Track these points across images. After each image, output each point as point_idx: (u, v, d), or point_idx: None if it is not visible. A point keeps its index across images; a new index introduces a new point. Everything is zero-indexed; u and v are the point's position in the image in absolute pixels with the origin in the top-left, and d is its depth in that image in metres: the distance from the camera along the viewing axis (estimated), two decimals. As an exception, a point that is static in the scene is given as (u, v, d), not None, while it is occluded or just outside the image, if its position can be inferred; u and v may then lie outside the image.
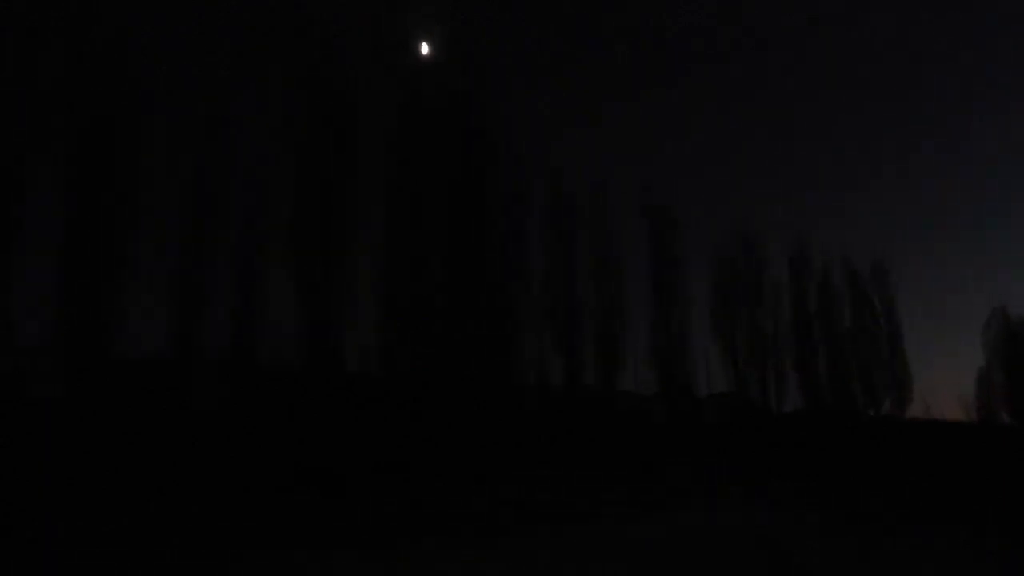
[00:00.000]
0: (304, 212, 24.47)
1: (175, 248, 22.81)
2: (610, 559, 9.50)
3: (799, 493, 19.43)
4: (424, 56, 27.86)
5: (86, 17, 22.33)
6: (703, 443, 27.10)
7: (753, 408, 33.36)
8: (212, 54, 24.33)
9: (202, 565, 8.98)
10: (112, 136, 22.23)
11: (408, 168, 26.65)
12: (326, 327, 24.74)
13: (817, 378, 37.43)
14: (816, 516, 13.83)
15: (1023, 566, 10.51)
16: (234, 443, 19.42)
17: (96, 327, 21.44)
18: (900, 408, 39.39)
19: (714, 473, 22.28)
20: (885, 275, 42.40)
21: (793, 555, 9.81)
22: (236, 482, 18.17)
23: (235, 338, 23.30)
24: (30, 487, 14.92)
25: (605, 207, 31.71)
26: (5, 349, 21.60)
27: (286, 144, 25.00)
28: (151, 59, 22.51)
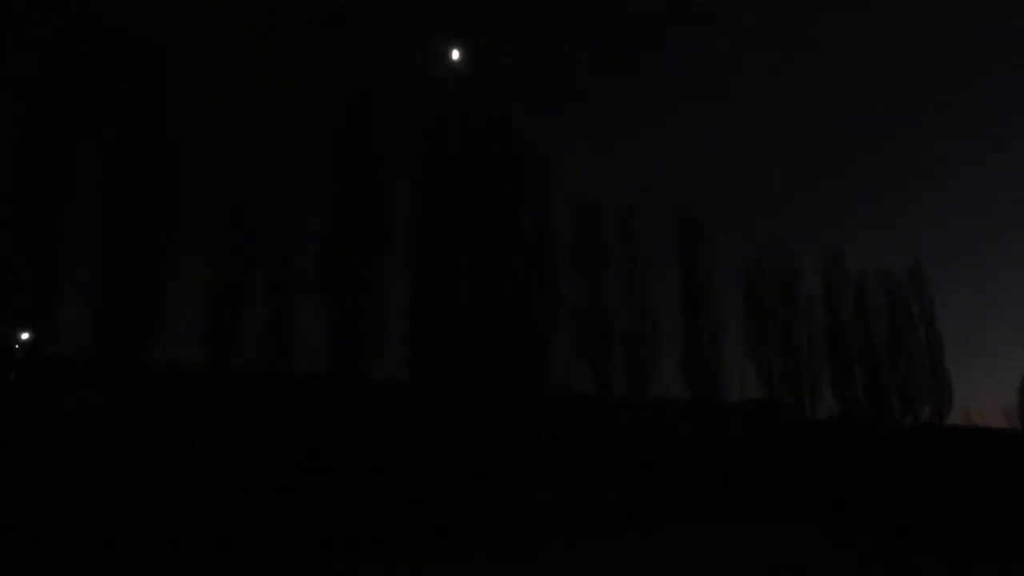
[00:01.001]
0: (335, 226, 24.89)
1: (211, 262, 23.34)
2: (641, 571, 9.39)
3: (834, 507, 19.03)
4: (451, 74, 28.21)
5: (122, 36, 23.02)
6: (734, 455, 26.73)
7: (787, 416, 32.82)
8: (248, 75, 24.94)
9: (232, 571, 9.07)
10: (150, 155, 22.83)
11: (437, 183, 26.92)
12: (355, 338, 25.00)
13: (853, 387, 36.68)
14: (853, 535, 13.41)
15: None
16: (264, 451, 19.64)
17: (134, 338, 21.94)
18: (940, 416, 38.39)
19: (746, 487, 21.94)
20: (923, 282, 41.45)
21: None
22: (267, 489, 18.35)
23: (267, 350, 23.72)
24: (67, 494, 15.23)
25: (634, 219, 31.63)
26: (47, 360, 22.23)
27: (318, 161, 25.48)
28: (189, 82, 23.13)
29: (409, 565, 9.29)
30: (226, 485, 17.92)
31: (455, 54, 28.74)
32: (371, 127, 26.97)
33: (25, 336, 21.05)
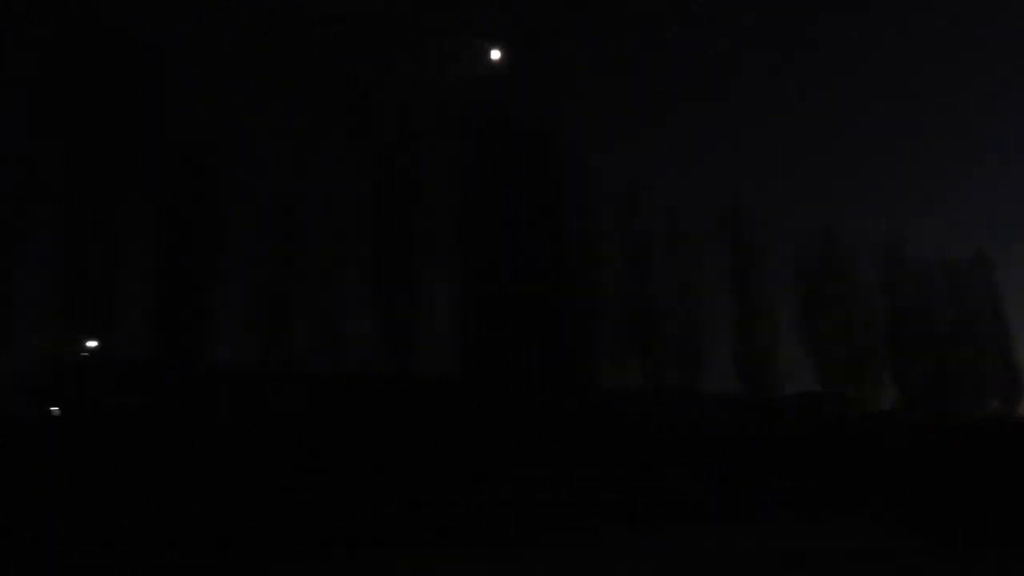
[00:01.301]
0: (380, 226, 25.14)
1: (260, 263, 23.83)
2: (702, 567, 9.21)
3: (893, 503, 18.38)
4: (487, 73, 28.19)
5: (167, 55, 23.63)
6: (791, 448, 26.08)
7: (845, 407, 31.86)
8: (291, 79, 25.29)
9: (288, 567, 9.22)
10: (202, 161, 23.41)
11: (482, 174, 26.93)
12: (403, 337, 25.23)
13: (915, 378, 35.44)
14: (920, 535, 12.86)
15: None
16: (317, 449, 19.94)
17: (188, 340, 22.58)
18: (1009, 408, 36.80)
19: (804, 482, 21.36)
20: (988, 268, 39.67)
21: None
22: (322, 486, 18.63)
23: (317, 349, 24.14)
24: (129, 493, 15.72)
25: (679, 206, 31.14)
26: (107, 362, 23.04)
27: (363, 156, 25.74)
28: (228, 83, 23.63)
29: (485, 563, 9.30)
30: (282, 482, 18.25)
31: (492, 54, 28.72)
32: (410, 126, 27.14)
33: (91, 344, 21.87)
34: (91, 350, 22.46)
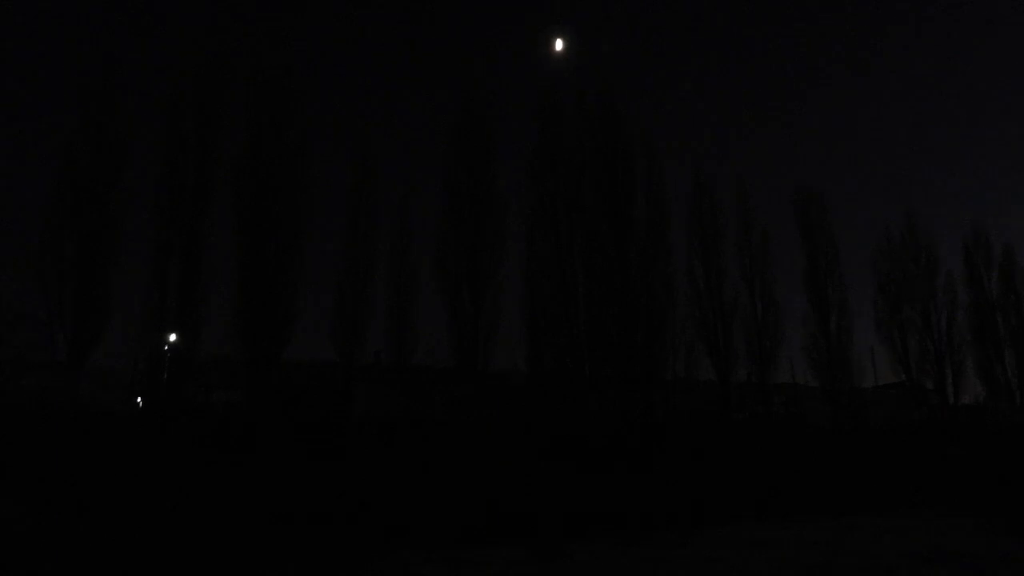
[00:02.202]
0: (452, 223, 25.48)
1: (340, 264, 24.49)
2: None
3: (985, 499, 17.63)
4: (559, 63, 28.09)
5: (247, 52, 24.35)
6: (871, 443, 25.29)
7: (927, 401, 30.73)
8: (362, 87, 25.79)
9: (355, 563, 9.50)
10: (280, 165, 24.16)
11: (550, 174, 26.93)
12: (475, 333, 25.45)
13: (1001, 370, 33.90)
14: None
15: None
16: (399, 442, 20.33)
17: (271, 338, 23.34)
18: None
19: (888, 477, 20.68)
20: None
21: None
22: (402, 475, 19.02)
23: (393, 343, 24.66)
24: (218, 483, 16.34)
25: (750, 192, 30.49)
26: (194, 361, 24.01)
27: (433, 160, 26.16)
28: (309, 94, 24.23)
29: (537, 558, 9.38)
30: (364, 475, 18.69)
31: (560, 44, 28.54)
32: (484, 120, 27.31)
33: (173, 338, 22.77)
34: (173, 345, 23.38)
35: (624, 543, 10.09)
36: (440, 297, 25.41)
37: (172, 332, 23.18)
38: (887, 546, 10.04)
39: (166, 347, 22.70)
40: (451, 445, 19.11)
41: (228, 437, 18.69)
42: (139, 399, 22.95)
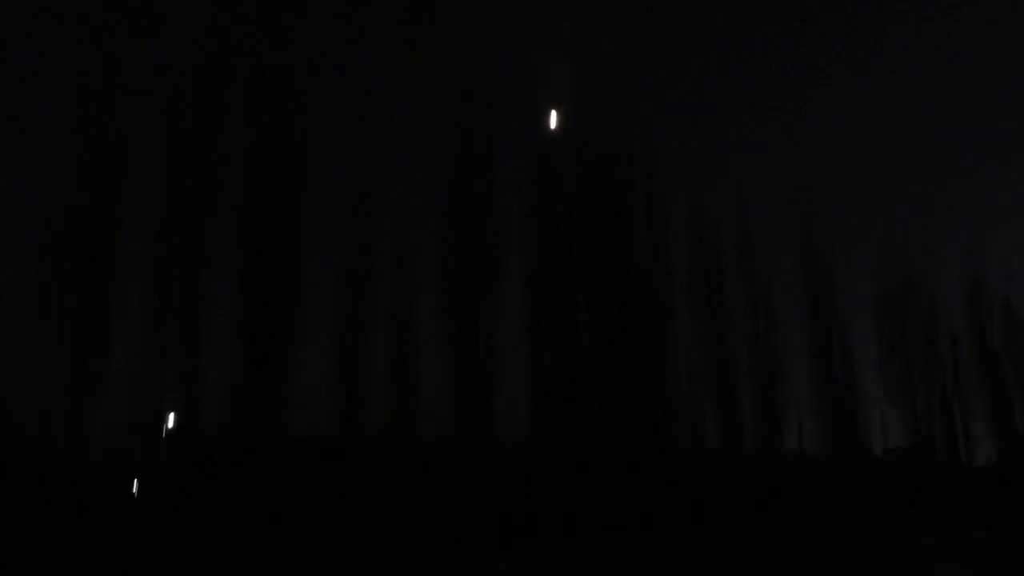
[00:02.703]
0: (451, 285, 25.16)
1: (337, 332, 24.08)
2: None
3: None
4: (557, 105, 28.03)
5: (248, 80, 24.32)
6: (884, 505, 24.72)
7: (939, 463, 30.16)
8: (362, 130, 25.78)
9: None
10: (277, 238, 23.94)
11: (551, 231, 26.75)
12: (478, 398, 25.02)
13: (1012, 425, 33.40)
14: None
15: None
16: (392, 512, 19.78)
17: (268, 409, 22.85)
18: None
19: (906, 543, 20.12)
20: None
21: None
22: (405, 555, 18.42)
23: (392, 412, 24.11)
24: (218, 551, 15.78)
25: (754, 253, 30.32)
26: (193, 429, 23.49)
27: (430, 217, 25.95)
28: (310, 136, 24.16)
29: None
30: (359, 550, 18.11)
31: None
32: (484, 173, 27.13)
33: (172, 417, 22.30)
34: (171, 426, 22.91)
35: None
36: (441, 360, 25.08)
37: (168, 410, 22.75)
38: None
39: (164, 428, 22.21)
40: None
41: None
42: (135, 482, 22.38)
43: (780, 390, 29.15)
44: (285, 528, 19.97)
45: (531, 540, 20.84)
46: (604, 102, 28.73)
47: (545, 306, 26.59)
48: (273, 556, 17.28)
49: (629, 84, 28.76)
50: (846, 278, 32.29)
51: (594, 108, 28.26)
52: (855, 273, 33.05)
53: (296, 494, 22.26)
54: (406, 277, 25.99)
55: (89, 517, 18.25)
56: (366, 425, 23.87)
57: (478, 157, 26.97)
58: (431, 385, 25.31)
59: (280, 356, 22.61)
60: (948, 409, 32.89)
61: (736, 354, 28.58)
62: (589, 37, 28.68)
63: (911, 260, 36.52)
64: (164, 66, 23.86)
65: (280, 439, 23.02)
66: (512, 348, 26.15)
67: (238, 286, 23.31)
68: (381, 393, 24.70)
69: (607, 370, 26.24)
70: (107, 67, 24.02)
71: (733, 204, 30.47)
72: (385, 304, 25.67)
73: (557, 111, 27.73)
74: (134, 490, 22.09)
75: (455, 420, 24.59)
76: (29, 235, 21.77)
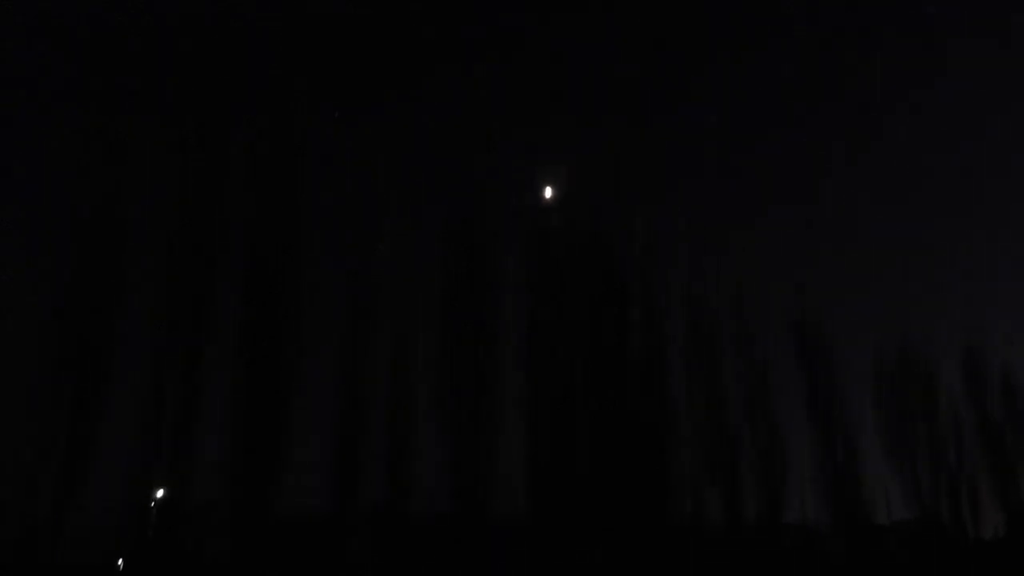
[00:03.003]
0: (448, 362, 25.29)
1: (331, 408, 24.09)
2: None
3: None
4: (552, 192, 28.73)
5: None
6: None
7: (946, 536, 29.60)
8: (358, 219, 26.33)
9: None
10: (275, 317, 24.20)
11: (545, 308, 27.05)
12: (474, 474, 24.80)
13: (1019, 497, 32.89)
14: None
15: None
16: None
17: (260, 488, 22.61)
18: None
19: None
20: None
21: None
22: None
23: (388, 491, 23.84)
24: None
25: (749, 326, 30.54)
26: (181, 510, 23.16)
27: (427, 297, 26.23)
28: (305, 220, 24.60)
29: None
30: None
31: (556, 174, 29.26)
32: (480, 254, 27.55)
33: (160, 493, 22.06)
34: (160, 500, 22.64)
35: None
36: (438, 437, 24.94)
37: (158, 485, 22.54)
38: None
39: (152, 503, 21.94)
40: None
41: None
42: (120, 561, 21.99)
43: (780, 463, 28.90)
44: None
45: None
46: (601, 186, 29.51)
47: (542, 383, 26.67)
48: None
49: (626, 169, 29.62)
50: (842, 346, 32.35)
51: (590, 192, 29.04)
52: (851, 342, 33.16)
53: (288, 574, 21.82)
54: (403, 358, 26.18)
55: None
56: (361, 502, 23.59)
57: (475, 244, 27.59)
58: (428, 463, 25.13)
59: (275, 434, 22.54)
60: (953, 481, 32.49)
61: (736, 430, 28.49)
62: (585, 125, 29.73)
63: (908, 328, 36.74)
64: (157, 157, 24.40)
65: (272, 519, 22.71)
66: (509, 426, 26.11)
67: (233, 368, 23.35)
68: (377, 472, 24.51)
69: (605, 445, 26.08)
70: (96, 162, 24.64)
71: (729, 278, 30.89)
72: (383, 383, 25.79)
73: (553, 194, 28.53)
74: (120, 569, 21.66)
75: (452, 495, 24.32)
76: (25, 321, 22.08)
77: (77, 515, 22.08)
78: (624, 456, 25.53)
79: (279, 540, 22.44)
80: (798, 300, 31.35)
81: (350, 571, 22.01)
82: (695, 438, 27.94)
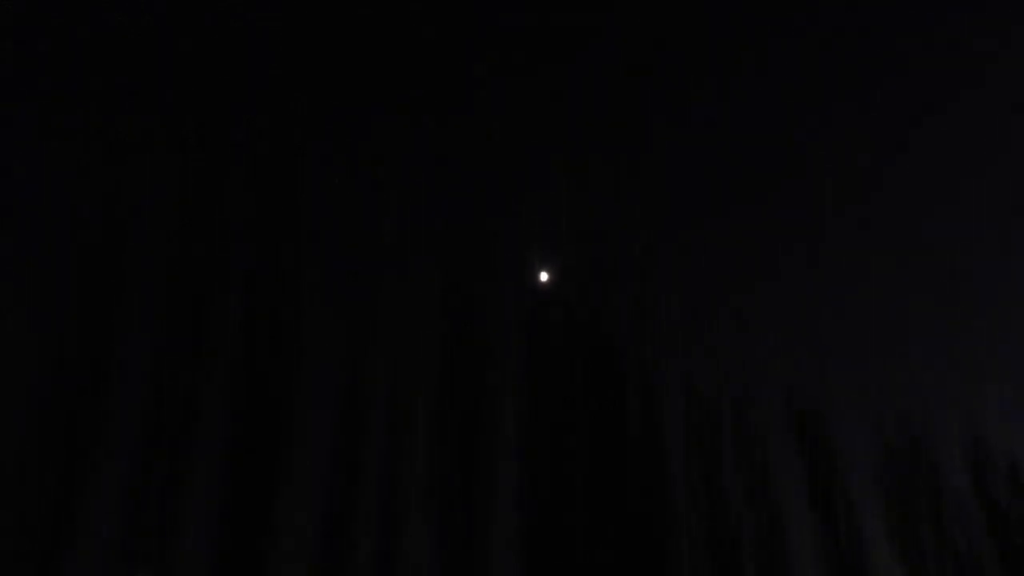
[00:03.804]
0: (440, 457, 24.76)
1: (319, 505, 23.44)
2: None
3: None
4: (545, 281, 28.74)
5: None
6: None
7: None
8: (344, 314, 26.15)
9: None
10: (264, 415, 23.80)
11: (540, 401, 26.66)
12: (468, 561, 23.96)
13: (1031, 593, 31.73)
14: None
15: None
16: None
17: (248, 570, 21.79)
18: None
19: None
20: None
21: None
22: None
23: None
24: None
25: (750, 414, 30.03)
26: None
27: (418, 392, 25.84)
28: (295, 331, 24.42)
29: None
30: None
31: (550, 266, 29.39)
32: (474, 347, 27.35)
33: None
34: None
35: None
36: (429, 530, 24.18)
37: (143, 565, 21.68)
38: None
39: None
40: None
41: None
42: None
43: (782, 550, 27.96)
44: None
45: None
46: (595, 269, 29.54)
47: (538, 479, 26.08)
48: None
49: (620, 250, 29.68)
50: (842, 428, 31.73)
51: (585, 277, 29.01)
52: (851, 423, 32.51)
53: None
54: (396, 449, 25.62)
55: None
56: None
57: (471, 332, 27.40)
58: (420, 565, 24.30)
59: (261, 535, 21.88)
60: (961, 570, 31.39)
61: (736, 518, 27.70)
62: (581, 206, 29.93)
63: (910, 411, 36.16)
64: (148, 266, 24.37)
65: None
66: (504, 522, 25.37)
67: (219, 471, 22.81)
68: (366, 563, 23.67)
69: (602, 537, 25.32)
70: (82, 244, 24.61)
71: (727, 363, 30.55)
72: (372, 483, 25.16)
73: (548, 278, 28.54)
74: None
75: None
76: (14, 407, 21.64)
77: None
78: (622, 548, 24.72)
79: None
80: (796, 382, 30.90)
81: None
82: (695, 527, 27.12)
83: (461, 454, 25.04)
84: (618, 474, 25.87)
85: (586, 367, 27.68)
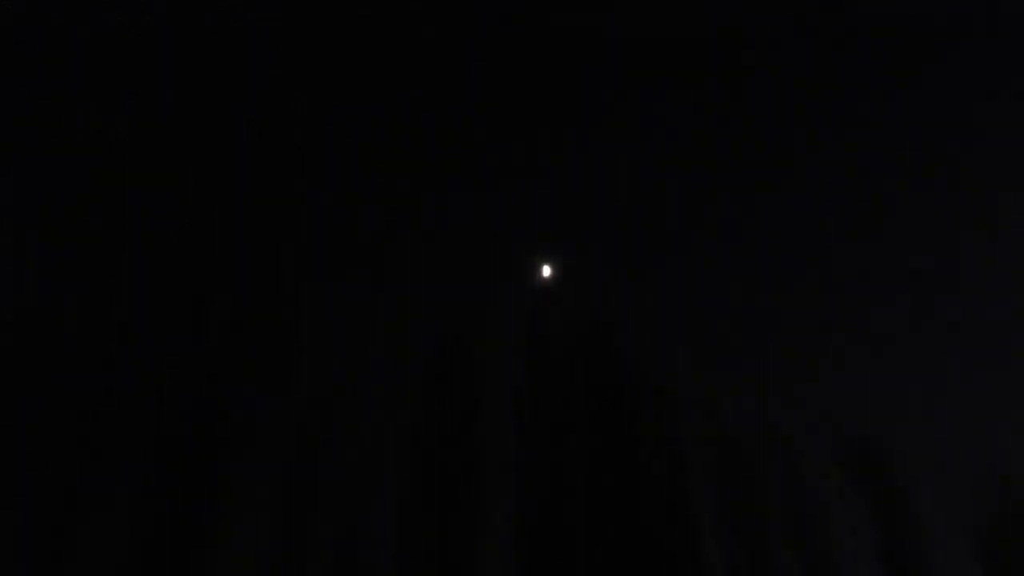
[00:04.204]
0: (440, 457, 22.08)
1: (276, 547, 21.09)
2: None
3: None
4: (546, 279, 26.37)
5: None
6: None
7: None
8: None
9: None
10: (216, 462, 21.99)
11: (540, 402, 23.69)
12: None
13: None
14: None
15: None
16: None
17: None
18: None
19: None
20: None
21: None
22: None
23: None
24: None
25: (789, 449, 25.54)
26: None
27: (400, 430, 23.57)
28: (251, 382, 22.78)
29: None
30: None
31: (553, 269, 27.09)
32: (467, 369, 25.02)
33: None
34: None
35: None
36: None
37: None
38: None
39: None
40: None
41: None
42: None
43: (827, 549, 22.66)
44: None
45: None
46: (604, 302, 27.12)
47: (538, 479, 22.84)
48: None
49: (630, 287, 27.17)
50: (918, 495, 26.33)
51: (586, 276, 26.60)
52: (931, 478, 27.04)
53: None
54: (380, 454, 23.20)
55: None
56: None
57: (470, 332, 25.33)
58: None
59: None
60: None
61: (776, 558, 22.93)
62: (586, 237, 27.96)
63: (1006, 482, 29.98)
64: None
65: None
66: (503, 522, 22.02)
67: None
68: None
69: (602, 536, 21.38)
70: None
71: (759, 387, 26.52)
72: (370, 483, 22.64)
73: (549, 274, 26.28)
74: None
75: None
76: None
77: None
78: (622, 548, 20.65)
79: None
80: (851, 414, 26.13)
81: None
82: (698, 528, 22.52)
83: (461, 454, 22.47)
84: (620, 474, 22.44)
85: (586, 367, 24.76)
